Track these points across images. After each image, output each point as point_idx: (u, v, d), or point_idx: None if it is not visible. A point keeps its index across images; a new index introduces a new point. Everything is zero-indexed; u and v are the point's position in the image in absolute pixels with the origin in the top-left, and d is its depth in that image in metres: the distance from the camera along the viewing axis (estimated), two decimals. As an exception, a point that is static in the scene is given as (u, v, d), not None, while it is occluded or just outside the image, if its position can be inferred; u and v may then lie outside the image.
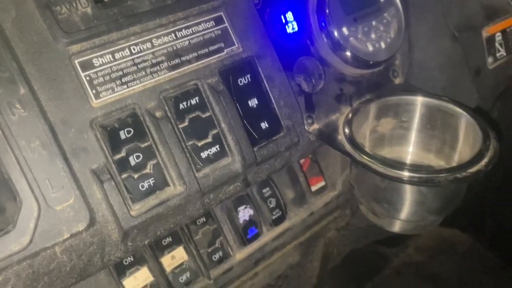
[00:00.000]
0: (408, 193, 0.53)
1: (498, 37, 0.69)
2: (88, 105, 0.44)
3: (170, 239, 0.61)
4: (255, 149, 0.52)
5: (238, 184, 0.53)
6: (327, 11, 0.57)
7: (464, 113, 0.55)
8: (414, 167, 0.50)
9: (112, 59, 0.46)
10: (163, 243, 0.60)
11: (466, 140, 0.56)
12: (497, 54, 0.69)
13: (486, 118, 0.54)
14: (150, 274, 0.59)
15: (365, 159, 0.51)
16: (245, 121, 0.51)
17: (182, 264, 0.62)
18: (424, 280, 1.50)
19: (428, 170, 0.50)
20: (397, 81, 0.65)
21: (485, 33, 0.68)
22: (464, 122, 0.55)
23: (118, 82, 0.46)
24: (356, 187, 0.59)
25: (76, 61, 0.44)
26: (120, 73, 0.46)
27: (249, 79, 0.52)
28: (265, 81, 0.53)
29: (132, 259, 0.58)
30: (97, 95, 0.45)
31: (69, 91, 0.43)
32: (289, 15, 0.58)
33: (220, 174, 0.50)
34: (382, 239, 1.22)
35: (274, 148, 0.54)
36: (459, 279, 1.48)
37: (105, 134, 0.44)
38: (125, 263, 0.57)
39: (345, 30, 0.58)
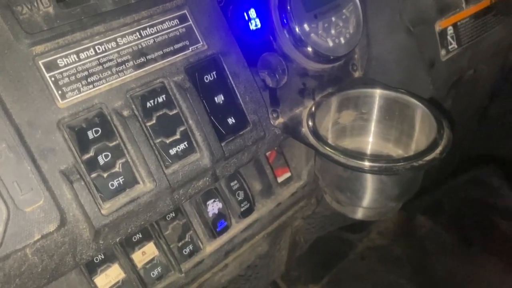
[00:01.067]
0: (369, 182, 0.56)
1: (450, 30, 0.73)
2: (54, 106, 0.44)
3: (140, 236, 0.61)
4: (222, 144, 0.53)
5: (207, 178, 0.55)
6: (289, 8, 0.59)
7: (420, 104, 0.58)
8: (374, 157, 0.53)
9: (77, 59, 0.46)
10: (134, 240, 0.61)
11: (422, 129, 0.59)
12: (449, 47, 0.73)
13: (440, 108, 0.57)
14: (121, 271, 0.60)
15: (328, 150, 0.53)
16: (212, 117, 0.53)
17: (153, 259, 0.62)
18: (387, 263, 1.56)
19: (387, 160, 0.53)
20: (357, 74, 0.68)
21: (438, 27, 0.71)
22: (420, 112, 0.58)
23: (84, 82, 0.46)
24: (321, 177, 0.61)
25: (40, 62, 0.44)
26: (86, 73, 0.46)
27: (215, 76, 0.53)
28: (230, 78, 0.54)
29: (102, 257, 0.58)
30: (63, 96, 0.45)
31: (34, 93, 0.43)
32: (252, 12, 0.59)
33: (189, 170, 0.51)
34: (346, 225, 1.27)
35: (241, 143, 0.55)
36: (420, 260, 1.55)
37: (72, 134, 0.44)
38: (96, 261, 0.58)
39: (306, 26, 0.60)
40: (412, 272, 1.50)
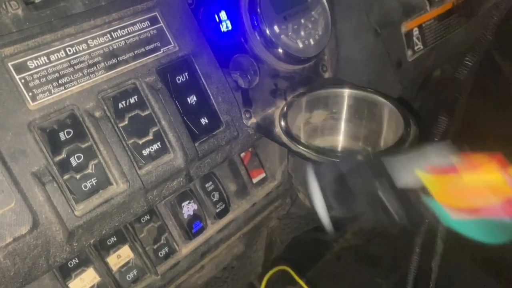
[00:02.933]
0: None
1: (416, 31, 0.75)
2: (25, 108, 0.44)
3: (115, 239, 0.61)
4: (196, 144, 0.54)
5: (181, 179, 0.55)
6: (259, 10, 0.60)
7: (387, 102, 0.60)
8: (344, 154, 0.54)
9: (47, 61, 0.46)
10: (108, 243, 0.60)
11: (390, 127, 0.61)
12: (415, 48, 0.76)
13: (407, 107, 0.59)
14: (96, 275, 0.59)
15: (300, 149, 0.55)
16: (185, 118, 0.53)
17: (128, 262, 0.62)
18: (363, 262, 1.58)
19: (355, 157, 0.54)
20: (327, 75, 0.69)
21: (404, 28, 0.73)
22: (387, 111, 0.60)
23: (54, 84, 0.46)
24: (294, 176, 0.62)
25: (9, 64, 0.44)
26: (57, 74, 0.46)
27: (187, 77, 0.54)
28: (202, 79, 0.55)
29: (77, 261, 0.57)
30: (33, 98, 0.44)
31: (4, 94, 0.43)
32: (223, 14, 0.60)
33: (162, 171, 0.51)
34: (322, 226, 1.28)
35: (215, 143, 0.56)
36: (394, 259, 1.58)
37: (44, 136, 0.44)
38: (70, 265, 0.57)
39: (276, 28, 0.61)
40: (387, 270, 1.53)
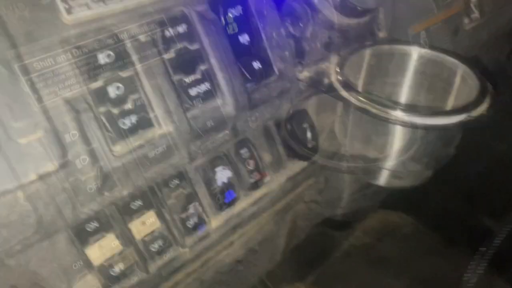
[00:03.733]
0: (400, 139, 0.50)
1: (475, -3, 0.69)
2: (58, 21, 0.36)
3: (140, 203, 0.53)
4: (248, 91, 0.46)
5: (227, 132, 0.47)
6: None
7: (460, 63, 0.53)
8: (416, 111, 0.47)
9: (86, -31, 0.38)
10: (132, 207, 0.52)
11: (460, 92, 0.54)
12: (472, 16, 0.69)
13: (483, 71, 0.52)
14: (117, 242, 0.51)
15: (364, 102, 0.47)
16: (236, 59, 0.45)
17: (153, 231, 0.54)
18: (373, 262, 1.51)
19: (432, 112, 0.47)
20: (381, 34, 0.62)
21: (463, -8, 0.67)
22: (460, 72, 0.53)
23: (94, -2, 0.38)
24: (346, 137, 0.55)
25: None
26: (96, -13, 0.38)
27: (241, 12, 0.46)
28: (256, 16, 0.48)
29: (97, 225, 0.49)
30: (69, 10, 0.37)
31: (36, 1, 0.35)
32: (278, -49, 0.53)
33: (210, 117, 0.44)
34: (331, 223, 1.21)
35: (267, 93, 0.48)
36: (404, 260, 1.51)
37: (80, 56, 0.36)
38: (88, 229, 0.49)
39: (335, -28, 0.54)
40: (397, 271, 1.46)
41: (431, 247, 1.60)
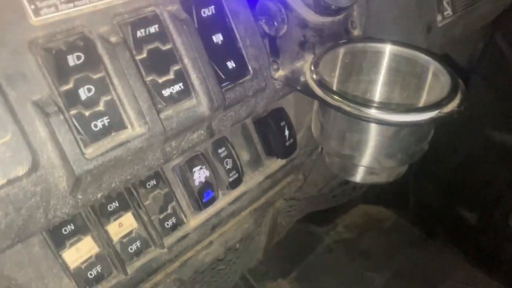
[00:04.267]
0: (373, 136, 0.50)
1: (446, -5, 0.70)
2: (26, 23, 0.35)
3: (117, 204, 0.52)
4: (222, 91, 0.46)
5: (202, 132, 0.47)
6: (291, -51, 0.53)
7: (432, 60, 0.54)
8: (389, 108, 0.48)
9: (54, -30, 0.37)
10: (109, 209, 0.52)
11: (432, 88, 0.55)
12: (445, 13, 0.70)
13: (455, 68, 0.53)
14: (94, 244, 0.51)
15: (338, 100, 0.48)
16: (210, 58, 0.45)
17: (131, 232, 0.54)
18: (354, 256, 1.53)
19: (406, 109, 0.48)
20: (356, 32, 0.63)
21: (435, -11, 0.68)
22: (432, 68, 0.54)
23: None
24: (320, 135, 0.55)
25: (7, -33, 0.35)
26: (65, -12, 0.38)
27: (213, 11, 0.46)
28: (229, 16, 0.48)
29: (73, 228, 0.49)
30: (36, 12, 0.36)
31: (1, 3, 0.34)
32: (251, -51, 0.53)
33: (184, 117, 0.44)
34: (314, 218, 1.22)
35: (242, 92, 0.48)
36: (385, 253, 1.54)
37: (49, 58, 0.36)
38: (64, 232, 0.48)
39: (308, -29, 0.54)
40: (379, 264, 1.48)
41: (411, 240, 1.63)
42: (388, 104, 0.57)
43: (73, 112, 0.37)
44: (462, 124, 1.38)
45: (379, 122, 0.46)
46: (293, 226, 1.03)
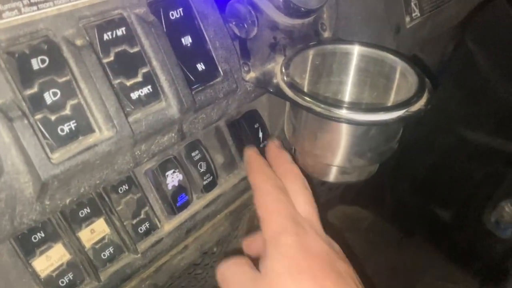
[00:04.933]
0: (344, 135, 0.51)
1: (414, -4, 0.71)
2: (-13, 25, 0.35)
3: (88, 210, 0.52)
4: (192, 93, 0.46)
5: (173, 135, 0.47)
6: (259, -49, 0.53)
7: (399, 60, 0.55)
8: (357, 108, 0.48)
9: (16, -27, 0.37)
10: (80, 215, 0.51)
11: (400, 87, 0.56)
12: (413, 14, 0.72)
13: (423, 68, 0.54)
14: (66, 251, 0.50)
15: (308, 101, 0.48)
16: (179, 61, 0.45)
17: (103, 238, 0.53)
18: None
19: (374, 108, 0.49)
20: (326, 34, 0.64)
21: (403, -9, 0.69)
22: (399, 68, 0.55)
23: (25, 2, 0.37)
24: (292, 135, 0.56)
25: (-33, -31, 0.34)
26: (28, -9, 0.37)
27: (181, 13, 0.46)
28: (198, 18, 0.48)
29: (43, 235, 0.48)
30: (-2, 15, 0.35)
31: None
32: (219, -47, 0.53)
33: (153, 120, 0.43)
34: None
35: (212, 94, 0.48)
36: (364, 254, 1.55)
37: (12, 62, 0.35)
38: (34, 240, 0.47)
39: (277, -27, 0.54)
40: (357, 264, 1.50)
41: (389, 240, 1.64)
42: (357, 104, 0.58)
43: (38, 116, 0.36)
44: (435, 124, 1.41)
45: (348, 122, 0.46)
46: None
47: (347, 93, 0.59)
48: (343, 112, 0.46)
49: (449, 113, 1.40)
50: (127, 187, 0.55)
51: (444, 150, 1.53)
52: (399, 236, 1.61)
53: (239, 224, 0.81)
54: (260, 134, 0.66)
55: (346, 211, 1.71)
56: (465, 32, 1.28)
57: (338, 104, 0.48)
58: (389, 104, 0.57)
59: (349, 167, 0.54)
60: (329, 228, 1.61)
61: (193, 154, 0.61)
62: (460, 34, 1.27)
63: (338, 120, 0.47)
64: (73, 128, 0.38)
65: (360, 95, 0.59)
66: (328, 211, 1.67)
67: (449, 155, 1.51)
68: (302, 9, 0.57)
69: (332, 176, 0.56)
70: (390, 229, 1.64)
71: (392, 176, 1.60)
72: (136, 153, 0.44)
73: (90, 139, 0.38)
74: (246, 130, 0.65)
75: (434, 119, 1.41)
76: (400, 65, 0.55)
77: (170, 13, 0.45)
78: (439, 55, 1.30)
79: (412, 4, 0.71)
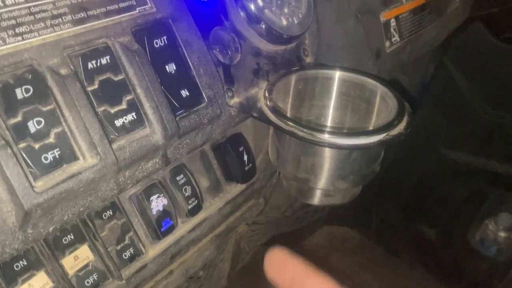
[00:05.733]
0: (327, 159, 0.52)
1: (393, 22, 0.73)
2: (-29, 56, 0.35)
3: (72, 237, 0.51)
4: (176, 119, 0.47)
5: (157, 160, 0.47)
6: (242, -20, 0.55)
7: (379, 84, 0.56)
8: (339, 132, 0.49)
9: (1, 4, 0.37)
10: (64, 242, 0.51)
11: (381, 111, 0.57)
12: (393, 39, 0.74)
13: (402, 92, 0.56)
14: (48, 279, 0.49)
15: (291, 126, 0.49)
16: (163, 87, 0.46)
17: (87, 265, 0.53)
18: (322, 277, 1.53)
19: (354, 133, 0.50)
20: (308, 59, 0.65)
21: (382, 17, 0.71)
22: (379, 93, 0.56)
23: (10, 32, 0.37)
24: (276, 159, 0.56)
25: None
26: (13, 21, 0.38)
27: (166, 42, 0.47)
28: (182, 46, 0.49)
29: (25, 263, 0.47)
30: (-18, 45, 0.36)
31: None
32: (202, -20, 0.54)
33: (138, 147, 0.44)
34: (279, 239, 1.23)
35: (196, 119, 0.49)
36: (351, 273, 1.55)
37: (-5, 92, 0.35)
38: (16, 268, 0.47)
39: (259, 1, 0.56)
40: (345, 284, 1.49)
41: (376, 259, 1.65)
42: (339, 128, 0.59)
43: (22, 145, 0.36)
44: (418, 144, 1.44)
45: (331, 146, 0.47)
46: (258, 250, 1.03)
47: (330, 117, 0.60)
48: (326, 136, 0.47)
49: (431, 133, 1.43)
50: (111, 213, 0.55)
51: (427, 170, 1.55)
52: (386, 255, 1.62)
53: (225, 247, 0.81)
54: (245, 157, 0.67)
55: (334, 231, 1.71)
56: (444, 54, 1.31)
57: (320, 128, 0.49)
58: (371, 127, 0.58)
59: (332, 190, 0.55)
60: (317, 248, 1.61)
61: (178, 178, 0.61)
62: (440, 56, 1.31)
63: (321, 144, 0.47)
64: (57, 156, 0.38)
65: (342, 119, 0.61)
66: (316, 231, 1.67)
67: (433, 175, 1.54)
68: (285, 36, 0.58)
69: (317, 198, 0.56)
70: (377, 249, 1.64)
71: (378, 196, 1.61)
72: (120, 180, 0.44)
73: (74, 167, 0.39)
74: (231, 153, 0.65)
75: (416, 139, 1.44)
76: (380, 89, 0.56)
77: (155, 41, 0.46)
78: (420, 76, 1.33)
79: (392, 29, 0.73)
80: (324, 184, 0.53)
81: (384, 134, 0.49)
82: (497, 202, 1.43)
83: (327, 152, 0.50)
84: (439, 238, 1.55)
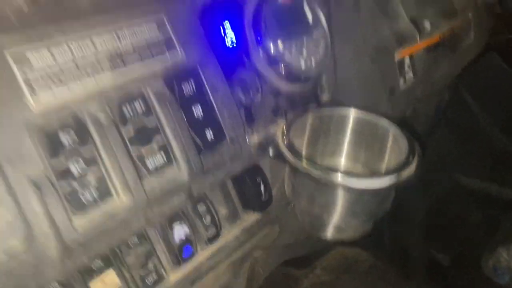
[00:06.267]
0: (339, 198, 0.55)
1: (407, 60, 0.76)
2: (24, 105, 0.39)
3: (100, 262, 0.55)
4: (201, 158, 0.50)
5: (183, 196, 0.51)
6: (263, 25, 0.59)
7: (393, 125, 0.59)
8: (352, 173, 0.52)
9: (49, 56, 0.42)
10: (92, 267, 0.55)
11: (393, 150, 0.60)
12: (407, 76, 0.77)
13: (412, 132, 0.59)
14: (78, 302, 0.53)
15: (306, 167, 0.52)
16: (190, 129, 0.50)
17: (114, 289, 0.56)
18: (333, 299, 1.55)
19: (365, 176, 0.53)
20: (325, 97, 0.68)
21: (397, 56, 0.74)
22: (392, 133, 0.59)
23: (57, 81, 0.42)
24: (293, 194, 0.60)
25: (7, 54, 0.39)
26: (59, 72, 0.42)
27: (193, 86, 0.51)
28: (208, 90, 0.53)
29: (56, 285, 0.51)
30: (33, 94, 0.40)
31: (2, 87, 0.38)
32: (228, 29, 0.58)
33: (166, 184, 0.47)
34: (292, 261, 1.25)
35: (219, 158, 0.53)
36: (363, 296, 1.56)
37: (43, 137, 0.39)
38: (48, 291, 0.51)
39: (280, 44, 0.60)
40: (357, 307, 1.50)
41: (388, 282, 1.65)
42: (350, 171, 0.62)
43: (64, 185, 0.40)
44: (432, 168, 1.45)
45: (344, 187, 0.50)
46: (272, 270, 1.05)
47: (344, 153, 0.63)
48: (339, 177, 0.51)
49: (446, 159, 1.44)
50: (137, 240, 0.59)
51: (441, 194, 1.56)
52: (398, 279, 1.63)
53: (241, 272, 0.84)
54: (262, 188, 0.70)
55: (346, 253, 1.73)
56: (460, 83, 1.34)
57: (334, 169, 0.52)
58: (383, 165, 0.61)
59: (344, 226, 0.57)
60: (329, 269, 1.62)
61: (198, 207, 0.64)
62: (455, 84, 1.33)
63: (334, 185, 0.51)
64: (95, 195, 0.42)
65: (356, 154, 0.64)
66: (329, 252, 1.69)
67: (446, 199, 1.54)
68: (303, 76, 0.62)
69: (329, 233, 0.59)
70: (390, 272, 1.65)
71: (391, 219, 1.62)
72: (149, 215, 0.48)
73: (109, 205, 0.42)
74: (249, 184, 0.69)
75: (431, 164, 1.45)
76: (392, 129, 0.59)
77: (183, 86, 0.50)
78: (436, 103, 1.36)
79: (406, 67, 0.76)
80: (336, 220, 0.56)
81: (395, 177, 0.51)
82: (511, 230, 1.43)
83: (340, 192, 0.53)
84: (452, 263, 1.55)
